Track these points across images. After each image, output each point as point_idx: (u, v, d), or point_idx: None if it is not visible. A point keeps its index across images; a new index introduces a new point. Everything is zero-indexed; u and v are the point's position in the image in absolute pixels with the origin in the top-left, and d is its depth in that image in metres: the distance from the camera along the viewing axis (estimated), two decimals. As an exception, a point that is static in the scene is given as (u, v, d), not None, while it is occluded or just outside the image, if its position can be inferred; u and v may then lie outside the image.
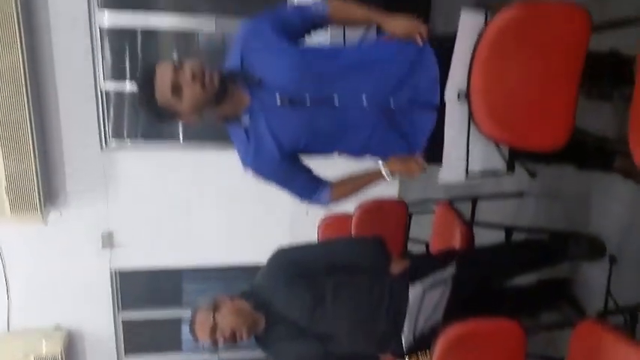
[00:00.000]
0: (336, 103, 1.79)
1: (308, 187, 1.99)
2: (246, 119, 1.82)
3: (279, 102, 1.78)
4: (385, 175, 1.94)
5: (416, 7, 4.05)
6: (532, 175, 2.71)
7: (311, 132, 1.83)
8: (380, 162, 1.93)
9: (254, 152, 1.86)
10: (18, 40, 3.99)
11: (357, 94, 1.79)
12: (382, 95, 1.80)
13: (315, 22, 1.90)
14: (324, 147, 1.92)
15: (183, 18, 4.56)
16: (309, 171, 2.00)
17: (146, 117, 1.79)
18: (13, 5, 3.91)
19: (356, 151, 1.94)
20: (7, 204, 4.33)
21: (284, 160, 1.87)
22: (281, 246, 2.18)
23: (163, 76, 1.69)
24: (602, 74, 2.03)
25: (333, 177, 2.07)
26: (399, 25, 1.84)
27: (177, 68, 1.69)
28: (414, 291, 2.03)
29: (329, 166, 2.15)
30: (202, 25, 4.59)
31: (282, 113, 1.79)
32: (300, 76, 1.78)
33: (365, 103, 1.79)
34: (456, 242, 2.66)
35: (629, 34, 1.86)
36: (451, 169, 1.78)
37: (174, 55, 4.76)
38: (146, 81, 1.72)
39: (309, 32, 1.92)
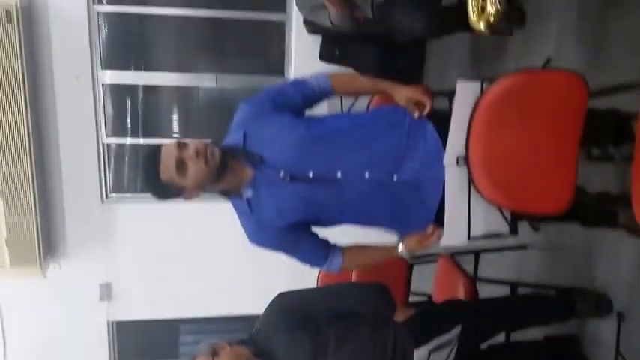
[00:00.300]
0: (339, 179, 1.79)
1: (317, 254, 1.97)
2: (248, 192, 1.83)
3: (282, 176, 1.78)
4: (403, 255, 1.92)
5: (410, 65, 4.10)
6: (535, 228, 2.69)
7: (314, 205, 1.83)
8: (399, 244, 1.91)
9: (258, 224, 1.86)
10: (22, 96, 4.07)
11: (359, 169, 1.79)
12: (385, 170, 1.79)
13: (316, 96, 1.93)
14: (329, 219, 1.91)
15: (184, 75, 4.64)
16: (316, 238, 1.98)
17: (151, 194, 1.81)
18: (19, 63, 4.00)
19: (362, 223, 1.92)
20: (7, 257, 4.33)
21: (288, 231, 1.87)
22: (281, 291, 2.15)
23: (168, 154, 1.72)
24: (601, 132, 2.04)
25: (344, 241, 2.04)
26: (404, 93, 1.86)
27: (182, 146, 1.73)
28: (419, 353, 1.99)
29: (341, 230, 2.10)
30: (203, 81, 4.66)
31: (286, 187, 1.79)
32: (302, 153, 1.79)
33: (368, 178, 1.79)
34: (460, 296, 2.63)
35: (625, 96, 1.88)
36: (453, 234, 1.76)
37: (175, 109, 4.83)
38: (151, 160, 1.75)
39: (310, 106, 1.94)
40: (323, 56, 4.28)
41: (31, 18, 4.12)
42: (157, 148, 1.76)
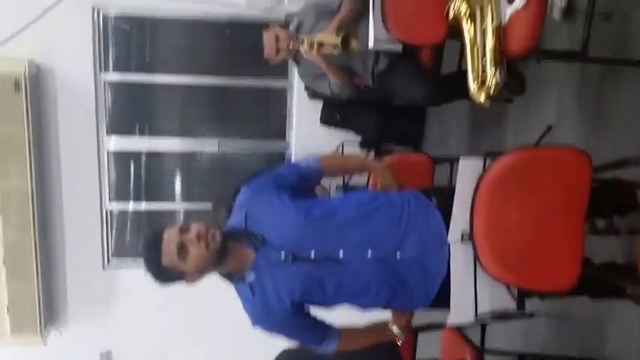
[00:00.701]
0: (342, 259, 1.79)
1: (315, 336, 1.94)
2: (250, 275, 1.83)
3: (283, 258, 1.79)
4: (397, 335, 1.94)
5: (410, 129, 4.16)
6: (542, 297, 2.65)
7: (315, 286, 1.82)
8: (393, 327, 1.93)
9: (261, 308, 1.84)
10: (27, 163, 4.09)
11: (362, 248, 1.79)
12: (387, 248, 1.79)
13: (310, 175, 2.00)
14: (329, 300, 1.89)
15: (187, 140, 4.69)
16: (315, 321, 1.96)
17: (153, 279, 1.80)
18: (25, 131, 4.04)
19: (363, 304, 1.90)
20: (7, 325, 4.27)
21: (290, 315, 1.85)
22: (285, 349, 2.10)
23: (170, 238, 1.73)
24: (605, 203, 2.04)
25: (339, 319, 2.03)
26: (381, 177, 1.98)
27: (184, 230, 1.75)
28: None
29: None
30: (205, 145, 4.70)
31: (288, 268, 1.79)
32: (303, 235, 1.81)
33: (370, 256, 1.78)
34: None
35: (628, 170, 1.88)
36: (459, 312, 1.74)
37: (178, 173, 4.86)
38: (153, 246, 1.76)
39: (306, 186, 2.00)
40: (324, 120, 4.35)
41: (39, 86, 4.19)
42: (159, 233, 1.77)
